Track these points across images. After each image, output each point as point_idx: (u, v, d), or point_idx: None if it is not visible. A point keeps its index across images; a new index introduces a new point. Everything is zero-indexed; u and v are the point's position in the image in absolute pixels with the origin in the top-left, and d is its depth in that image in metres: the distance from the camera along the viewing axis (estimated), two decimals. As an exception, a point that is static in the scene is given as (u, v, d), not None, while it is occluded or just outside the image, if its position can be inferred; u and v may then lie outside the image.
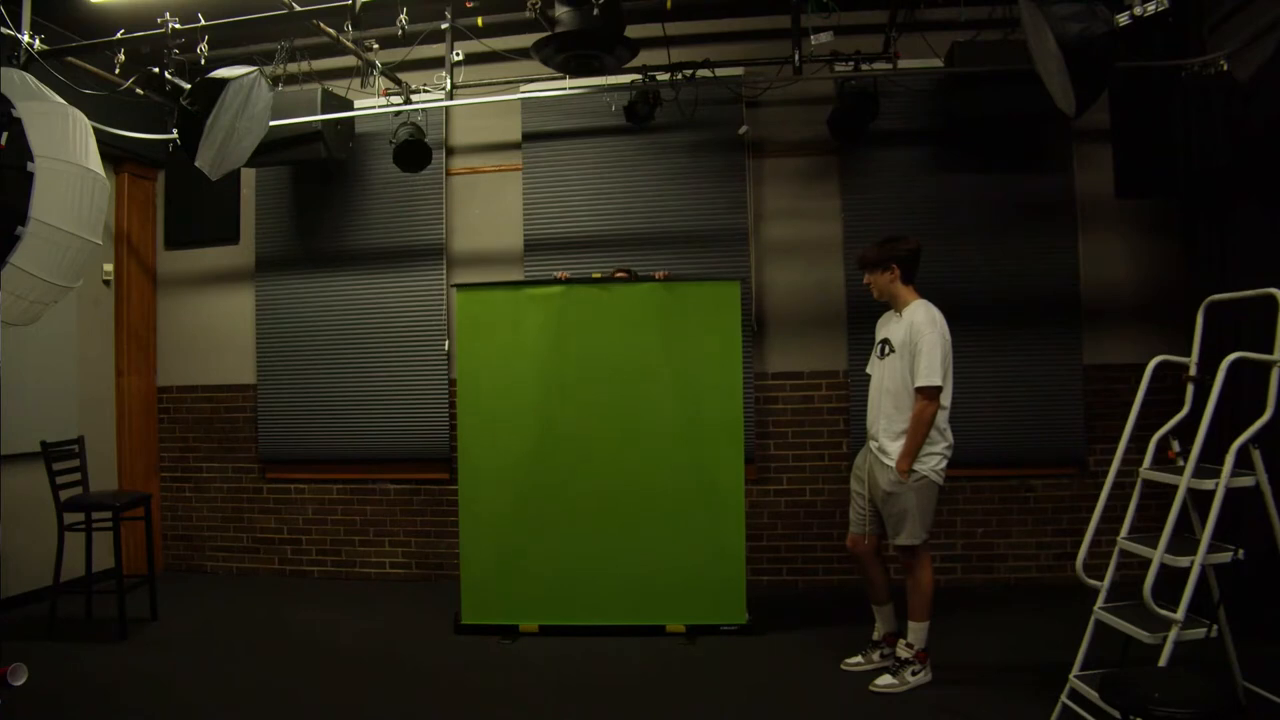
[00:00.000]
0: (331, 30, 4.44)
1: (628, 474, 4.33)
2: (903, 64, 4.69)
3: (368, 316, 5.49)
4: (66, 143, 3.36)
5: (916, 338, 3.45)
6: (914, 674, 3.47)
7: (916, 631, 3.51)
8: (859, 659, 3.71)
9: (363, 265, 5.52)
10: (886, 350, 3.59)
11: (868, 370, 3.82)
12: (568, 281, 4.43)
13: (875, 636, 3.75)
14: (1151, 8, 3.13)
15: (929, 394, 3.41)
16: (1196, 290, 4.02)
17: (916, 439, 3.42)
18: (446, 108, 5.28)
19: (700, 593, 4.26)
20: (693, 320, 4.32)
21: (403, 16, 4.17)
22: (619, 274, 4.53)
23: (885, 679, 3.49)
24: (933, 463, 3.47)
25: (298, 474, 5.64)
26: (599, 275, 4.57)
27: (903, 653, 3.51)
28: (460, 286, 4.51)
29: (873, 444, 3.60)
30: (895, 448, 3.49)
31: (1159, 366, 3.14)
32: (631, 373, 4.33)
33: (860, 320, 5.09)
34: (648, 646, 4.12)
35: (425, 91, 5.12)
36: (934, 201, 5.05)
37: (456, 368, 4.57)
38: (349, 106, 5.13)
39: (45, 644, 4.14)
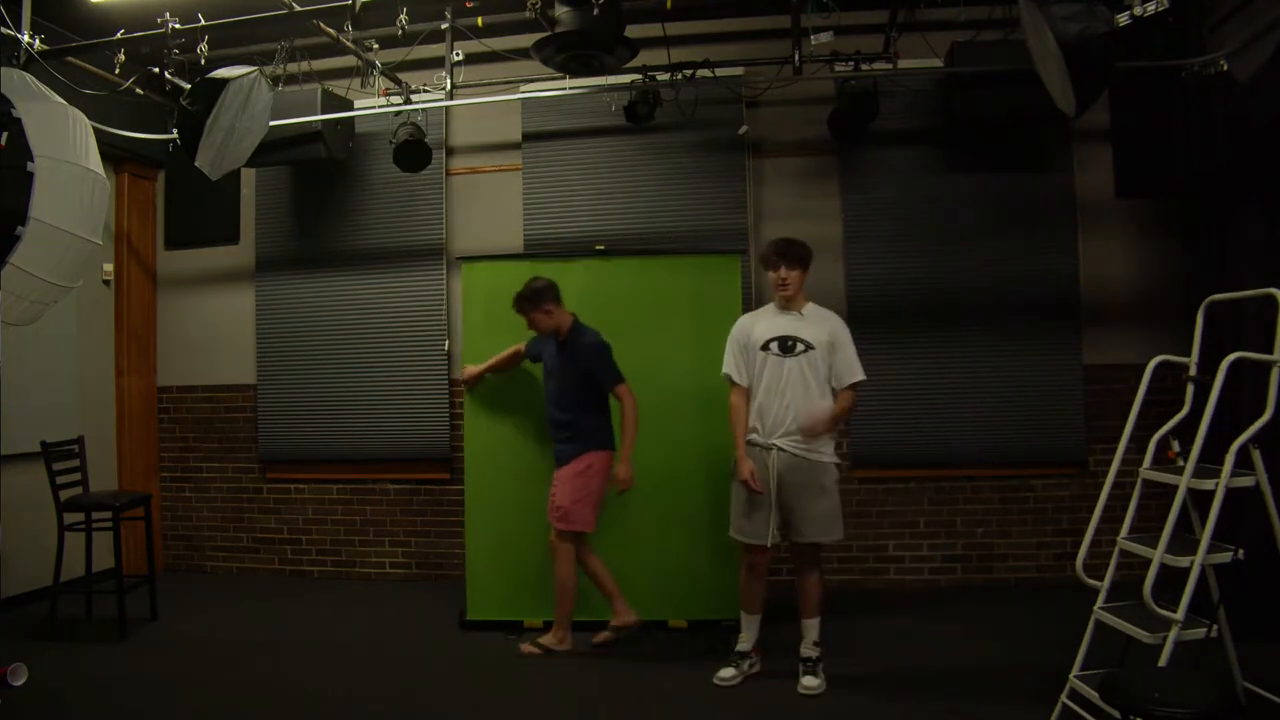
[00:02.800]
0: (331, 30, 4.44)
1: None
2: (903, 64, 4.68)
3: (368, 316, 5.49)
4: (66, 143, 3.36)
5: (842, 336, 3.59)
6: (821, 669, 3.52)
7: (817, 628, 3.56)
8: (732, 671, 3.58)
9: (363, 265, 5.52)
10: (799, 348, 3.53)
11: (727, 371, 3.66)
12: (569, 255, 4.56)
13: (744, 647, 3.66)
14: (1151, 8, 3.13)
15: (859, 388, 3.61)
16: (1196, 290, 4.03)
17: (843, 418, 3.66)
18: (446, 108, 5.28)
19: (702, 589, 4.27)
20: (693, 298, 4.37)
21: (403, 16, 4.17)
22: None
23: (812, 680, 3.47)
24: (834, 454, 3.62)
25: (298, 474, 5.64)
26: (601, 247, 4.64)
27: (813, 652, 3.53)
28: (466, 259, 4.56)
29: (786, 441, 3.49)
30: (820, 443, 3.52)
31: (1159, 366, 3.14)
32: (633, 359, 4.35)
33: (860, 320, 5.06)
34: (650, 641, 4.13)
35: (425, 91, 5.12)
36: (934, 201, 5.05)
37: (461, 348, 4.61)
38: (349, 106, 5.13)
39: (45, 644, 4.14)
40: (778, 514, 3.51)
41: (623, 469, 3.94)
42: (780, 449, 3.49)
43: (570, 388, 4.01)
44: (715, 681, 3.57)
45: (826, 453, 3.52)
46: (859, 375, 3.56)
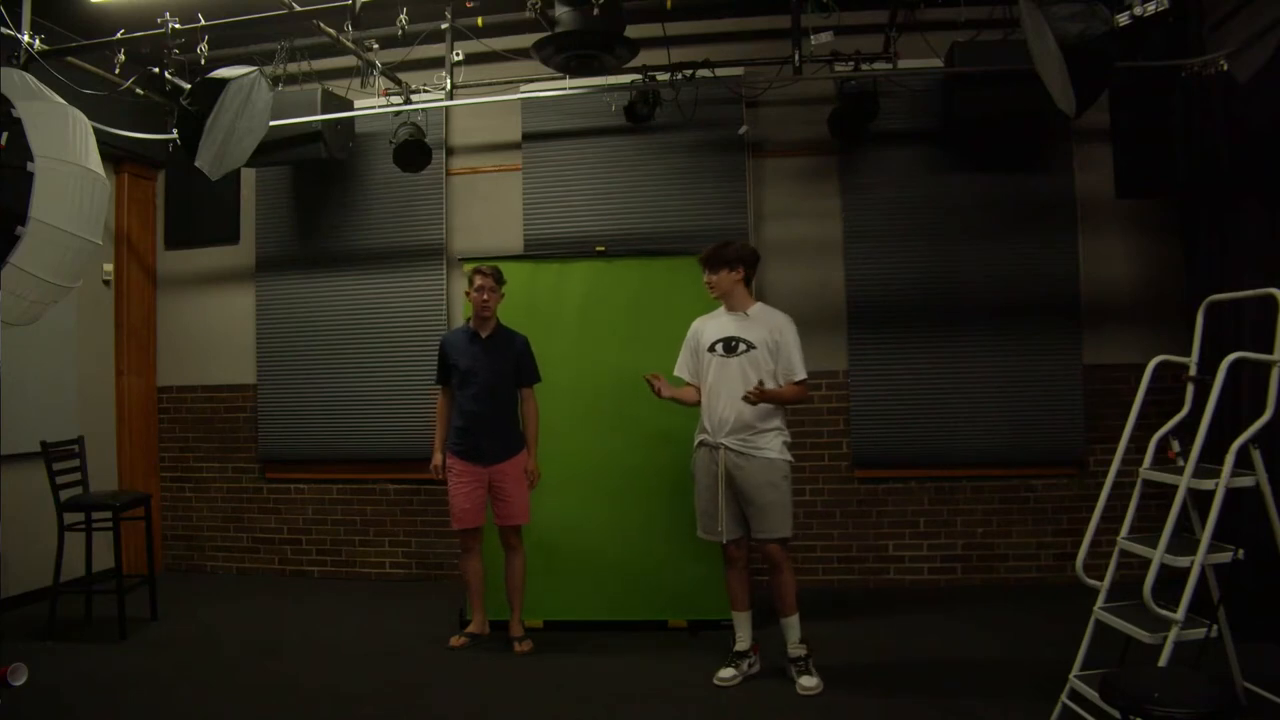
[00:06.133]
0: (331, 30, 4.44)
1: (630, 472, 4.37)
2: (903, 64, 4.68)
3: (368, 316, 5.49)
4: (66, 143, 3.35)
5: (787, 336, 3.61)
6: (813, 665, 3.54)
7: (798, 625, 3.57)
8: (732, 671, 3.59)
9: (363, 265, 5.52)
10: (741, 348, 3.59)
11: (678, 373, 3.78)
12: (569, 255, 4.61)
13: (741, 647, 3.67)
14: (1151, 8, 3.14)
15: (807, 385, 3.66)
16: (1196, 290, 4.03)
17: (781, 400, 3.57)
18: (446, 108, 5.27)
19: (702, 589, 4.26)
20: (693, 298, 4.33)
21: (403, 16, 4.18)
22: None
23: (809, 680, 3.48)
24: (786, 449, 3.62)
25: (298, 474, 5.64)
26: (601, 248, 4.66)
27: (801, 650, 3.55)
28: (467, 259, 4.54)
29: (732, 439, 3.54)
30: (766, 440, 3.53)
31: (1159, 366, 3.14)
32: (633, 359, 4.36)
33: (860, 320, 5.11)
34: (650, 641, 4.13)
35: (425, 91, 5.12)
36: (934, 202, 5.05)
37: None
38: (349, 106, 5.13)
39: (45, 644, 4.14)
40: (731, 509, 3.57)
41: (534, 462, 4.15)
42: (728, 448, 3.55)
43: (502, 383, 4.09)
44: (715, 682, 3.57)
45: (773, 449, 3.55)
46: (799, 374, 3.59)
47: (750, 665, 3.66)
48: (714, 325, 3.71)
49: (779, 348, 3.59)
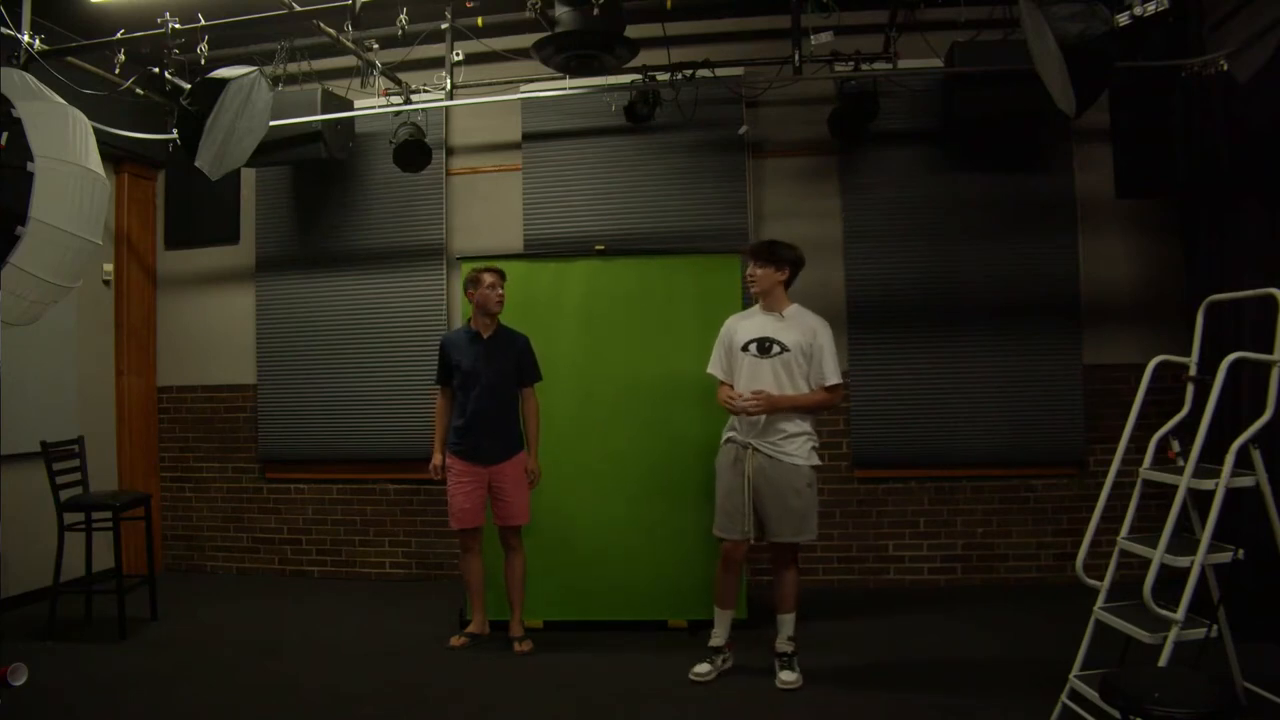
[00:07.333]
0: (331, 30, 4.44)
1: (630, 472, 4.36)
2: (903, 64, 4.68)
3: (368, 316, 5.49)
4: (66, 143, 3.35)
5: (821, 339, 3.59)
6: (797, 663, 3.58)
7: (792, 623, 3.62)
8: (707, 667, 3.62)
9: (363, 265, 5.52)
10: (775, 349, 3.59)
11: (711, 370, 3.76)
12: (569, 255, 4.61)
13: (716, 643, 3.69)
14: (1151, 8, 3.14)
15: (838, 391, 3.63)
16: (1196, 290, 4.03)
17: (806, 408, 3.57)
18: (446, 108, 5.27)
19: (702, 589, 4.24)
20: (693, 298, 4.38)
21: (403, 16, 4.18)
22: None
23: (789, 675, 3.52)
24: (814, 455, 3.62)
25: (298, 474, 5.64)
26: (601, 247, 4.64)
27: (788, 647, 3.59)
28: (466, 259, 4.51)
29: (761, 441, 3.55)
30: (794, 445, 3.54)
31: (1159, 366, 3.14)
32: (633, 358, 4.37)
33: (860, 320, 5.10)
34: (650, 641, 4.13)
35: (425, 91, 5.12)
36: (934, 201, 5.05)
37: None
38: (349, 106, 5.13)
39: (45, 644, 4.14)
40: (753, 511, 3.57)
41: (534, 462, 4.15)
42: (756, 449, 3.56)
43: (503, 383, 4.10)
44: (691, 677, 3.59)
45: (800, 456, 3.55)
46: (831, 379, 3.57)
47: (724, 661, 3.68)
48: (748, 324, 3.70)
49: (812, 351, 3.58)
